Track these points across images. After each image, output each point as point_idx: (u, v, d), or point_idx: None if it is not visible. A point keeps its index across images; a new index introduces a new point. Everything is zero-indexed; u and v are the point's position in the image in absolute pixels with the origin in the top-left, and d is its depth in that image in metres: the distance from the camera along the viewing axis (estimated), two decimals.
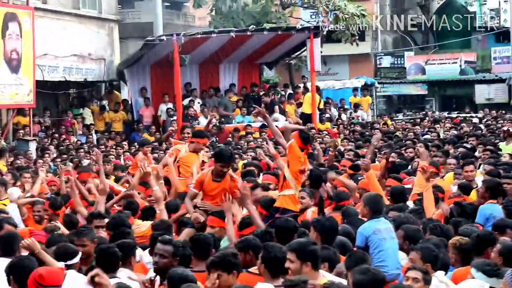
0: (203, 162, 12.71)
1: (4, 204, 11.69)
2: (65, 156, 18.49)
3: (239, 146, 19.28)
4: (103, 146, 20.29)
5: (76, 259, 7.42)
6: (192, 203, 10.13)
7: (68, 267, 7.25)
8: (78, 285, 6.93)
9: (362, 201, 8.78)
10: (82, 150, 19.52)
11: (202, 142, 13.11)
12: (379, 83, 37.79)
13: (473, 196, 10.88)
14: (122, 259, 7.51)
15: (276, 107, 25.52)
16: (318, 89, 26.42)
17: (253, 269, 7.21)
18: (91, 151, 18.50)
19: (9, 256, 7.54)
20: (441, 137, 19.54)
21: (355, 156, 14.78)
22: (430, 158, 12.91)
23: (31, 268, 6.52)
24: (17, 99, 21.66)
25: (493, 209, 9.41)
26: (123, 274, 7.40)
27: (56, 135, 22.66)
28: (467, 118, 27.47)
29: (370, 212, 8.47)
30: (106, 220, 9.32)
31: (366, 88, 30.76)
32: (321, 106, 26.17)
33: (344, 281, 6.65)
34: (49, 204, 11.09)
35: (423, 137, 19.74)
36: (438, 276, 7.05)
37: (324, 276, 6.74)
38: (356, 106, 28.32)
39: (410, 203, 10.41)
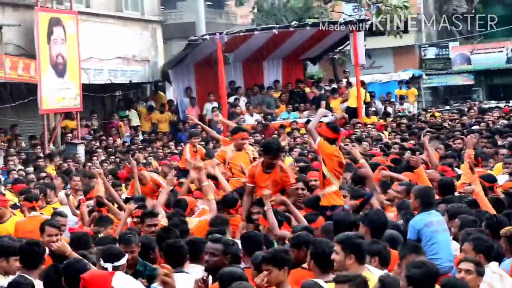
0: (254, 159, 12.63)
1: (54, 208, 11.78)
2: (113, 158, 18.62)
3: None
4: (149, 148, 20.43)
5: (123, 261, 7.41)
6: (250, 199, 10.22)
7: (115, 268, 7.29)
8: (127, 286, 6.96)
9: (412, 194, 8.69)
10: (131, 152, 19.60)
11: (238, 137, 12.95)
12: (424, 74, 37.50)
13: None
14: (193, 255, 7.59)
15: (323, 103, 25.41)
16: (363, 83, 26.27)
17: (306, 265, 7.17)
18: (138, 152, 18.60)
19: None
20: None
21: (401, 149, 14.68)
22: (478, 147, 12.78)
23: (82, 271, 6.57)
24: (64, 103, 21.86)
25: None
26: (196, 270, 7.44)
27: (104, 137, 22.84)
28: None
29: (421, 205, 8.44)
30: (157, 218, 9.35)
31: (412, 81, 30.52)
32: (368, 100, 26.03)
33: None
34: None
35: (472, 127, 19.51)
36: (492, 267, 6.98)
37: (370, 270, 6.68)
38: (402, 99, 28.10)
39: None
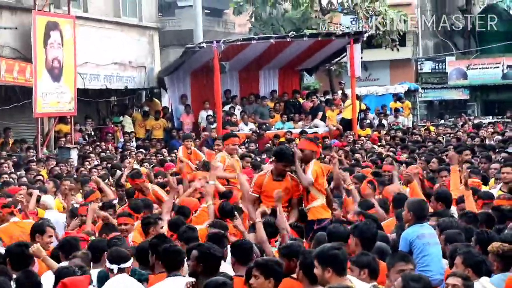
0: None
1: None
2: (105, 163, 18.57)
3: None
4: (140, 154, 20.38)
5: (129, 263, 7.61)
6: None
7: (120, 270, 7.50)
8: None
9: (406, 207, 8.70)
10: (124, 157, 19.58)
11: (229, 142, 13.18)
12: (420, 88, 37.55)
13: None
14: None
15: (320, 113, 25.44)
16: (358, 96, 26.30)
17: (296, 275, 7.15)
18: (128, 158, 18.61)
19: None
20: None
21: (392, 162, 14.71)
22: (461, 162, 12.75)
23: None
24: (58, 107, 21.83)
25: None
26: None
27: (98, 142, 22.80)
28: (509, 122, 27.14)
29: (414, 217, 8.46)
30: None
31: (408, 94, 30.59)
32: (363, 108, 26.07)
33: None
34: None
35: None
36: (483, 282, 6.94)
37: (351, 281, 6.66)
38: (397, 112, 28.13)
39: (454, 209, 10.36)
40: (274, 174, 10.26)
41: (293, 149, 10.64)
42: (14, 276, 7.26)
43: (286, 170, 10.22)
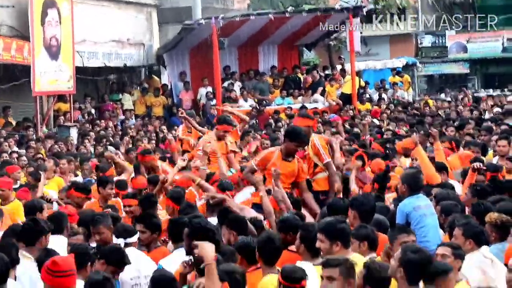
0: (232, 151, 12.73)
1: None
2: (102, 141, 18.54)
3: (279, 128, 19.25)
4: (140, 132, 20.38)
5: (134, 238, 7.72)
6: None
7: (126, 245, 7.57)
8: (140, 260, 7.37)
9: (400, 179, 8.77)
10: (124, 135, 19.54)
11: (222, 128, 13.08)
12: (420, 62, 37.46)
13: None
14: None
15: (320, 89, 25.39)
16: (357, 72, 26.27)
17: (293, 247, 7.22)
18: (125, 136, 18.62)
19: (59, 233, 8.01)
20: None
21: (393, 135, 14.74)
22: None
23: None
24: (57, 86, 21.77)
25: None
26: None
27: (97, 121, 22.76)
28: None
29: (409, 189, 8.45)
30: None
31: (407, 68, 30.53)
32: (362, 85, 26.04)
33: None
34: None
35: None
36: (483, 252, 6.96)
37: (354, 255, 6.69)
38: (396, 86, 28.07)
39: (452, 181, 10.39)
40: (284, 153, 9.96)
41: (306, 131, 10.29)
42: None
43: (297, 150, 9.99)
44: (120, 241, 7.57)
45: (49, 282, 6.00)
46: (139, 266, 7.37)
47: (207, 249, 5.79)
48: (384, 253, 6.88)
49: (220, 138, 12.99)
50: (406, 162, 11.89)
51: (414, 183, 8.49)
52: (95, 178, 12.50)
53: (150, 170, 12.10)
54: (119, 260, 6.97)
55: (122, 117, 24.32)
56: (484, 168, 10.13)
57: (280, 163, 9.92)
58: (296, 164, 9.99)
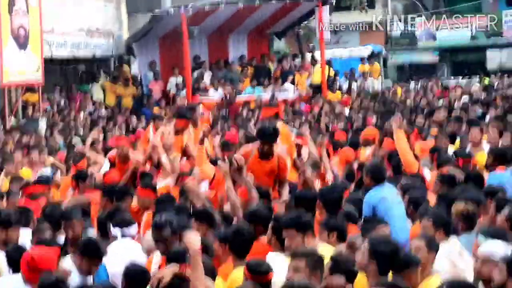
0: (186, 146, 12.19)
1: None
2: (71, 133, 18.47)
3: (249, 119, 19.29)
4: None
5: (132, 229, 7.80)
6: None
7: (124, 235, 7.67)
8: (134, 252, 7.39)
9: (364, 171, 8.86)
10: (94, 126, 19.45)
11: (178, 123, 12.38)
12: (390, 51, 37.60)
13: (481, 159, 10.88)
14: None
15: (290, 77, 25.42)
16: (328, 61, 26.31)
17: (263, 238, 7.27)
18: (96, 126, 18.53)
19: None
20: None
21: (363, 124, 14.85)
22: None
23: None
24: (25, 77, 21.57)
25: (500, 178, 9.28)
26: None
27: (66, 111, 22.61)
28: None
29: (373, 180, 8.55)
30: None
31: (374, 56, 30.60)
32: (331, 75, 26.11)
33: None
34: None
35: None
36: (451, 243, 7.02)
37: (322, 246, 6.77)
38: (366, 75, 28.15)
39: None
40: (260, 153, 9.87)
41: (274, 126, 10.24)
42: None
43: (271, 149, 9.81)
44: (117, 231, 7.59)
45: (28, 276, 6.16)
46: (132, 258, 7.22)
47: (193, 239, 5.78)
48: (347, 245, 6.88)
49: (178, 133, 12.45)
50: (365, 152, 11.90)
51: (377, 174, 8.56)
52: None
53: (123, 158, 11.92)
54: (94, 253, 6.95)
55: (91, 108, 24.15)
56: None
57: (257, 163, 9.84)
58: (276, 162, 9.85)
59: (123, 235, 7.62)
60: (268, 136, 9.81)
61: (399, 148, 10.29)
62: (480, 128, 12.41)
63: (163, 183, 10.51)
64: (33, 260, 6.22)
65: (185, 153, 11.80)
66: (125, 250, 7.26)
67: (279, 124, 10.88)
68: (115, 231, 7.62)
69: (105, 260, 7.16)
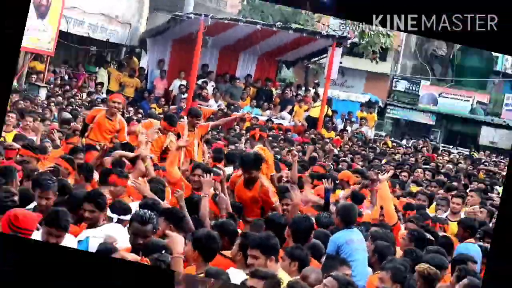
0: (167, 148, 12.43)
1: None
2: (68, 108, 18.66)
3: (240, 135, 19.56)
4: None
5: (128, 217, 7.72)
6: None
7: (119, 221, 7.78)
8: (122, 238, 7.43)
9: (335, 212, 8.91)
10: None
11: (163, 124, 12.86)
12: (390, 104, 38.08)
13: (454, 228, 11.08)
14: None
15: (289, 107, 25.78)
16: (329, 99, 26.68)
17: (226, 253, 7.35)
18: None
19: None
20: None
21: (348, 167, 15.16)
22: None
23: None
24: (37, 44, 21.87)
25: (468, 249, 9.36)
26: None
27: (68, 87, 22.91)
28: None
29: (342, 222, 8.62)
30: None
31: (371, 106, 31.01)
32: (329, 114, 26.48)
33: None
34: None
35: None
36: None
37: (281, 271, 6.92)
38: (363, 120, 28.53)
39: None
40: (243, 180, 9.78)
41: (256, 153, 10.19)
42: None
43: (253, 177, 9.65)
44: (114, 216, 7.75)
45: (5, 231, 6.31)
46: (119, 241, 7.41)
47: (177, 242, 5.98)
48: (301, 276, 6.99)
49: (161, 132, 12.76)
50: (339, 193, 12.07)
51: (346, 217, 8.63)
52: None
53: None
54: (57, 223, 6.84)
55: (92, 89, 24.43)
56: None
57: (241, 190, 9.84)
58: (258, 191, 9.74)
59: (118, 221, 7.82)
60: (248, 164, 9.72)
61: (385, 197, 10.36)
62: (463, 200, 12.60)
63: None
64: (16, 217, 6.44)
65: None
66: (113, 232, 7.47)
67: (257, 148, 11.07)
68: (112, 216, 7.80)
69: (91, 233, 7.45)
